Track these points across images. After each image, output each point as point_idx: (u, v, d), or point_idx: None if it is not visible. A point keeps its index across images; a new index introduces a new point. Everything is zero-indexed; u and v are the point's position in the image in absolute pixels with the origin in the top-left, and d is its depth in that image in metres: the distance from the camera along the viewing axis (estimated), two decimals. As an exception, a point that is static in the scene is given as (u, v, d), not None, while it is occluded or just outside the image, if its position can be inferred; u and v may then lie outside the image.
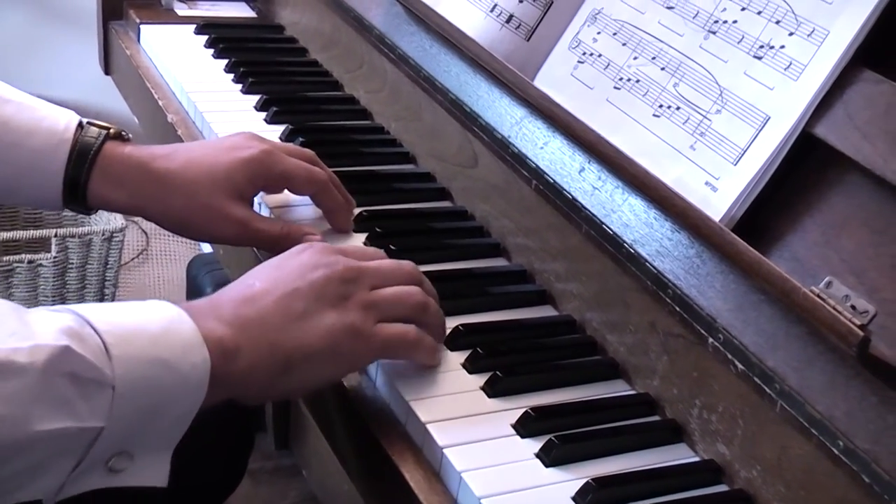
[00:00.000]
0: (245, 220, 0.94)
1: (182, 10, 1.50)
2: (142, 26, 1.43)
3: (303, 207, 1.03)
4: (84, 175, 0.94)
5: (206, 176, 0.94)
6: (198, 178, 0.94)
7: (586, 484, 0.74)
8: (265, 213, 1.03)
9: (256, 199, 1.03)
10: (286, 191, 1.02)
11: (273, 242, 0.95)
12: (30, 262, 1.97)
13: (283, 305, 0.76)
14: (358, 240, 1.00)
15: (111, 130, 0.96)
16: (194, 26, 1.44)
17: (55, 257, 1.98)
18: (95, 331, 0.67)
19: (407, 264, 0.85)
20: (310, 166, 0.99)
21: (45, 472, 0.66)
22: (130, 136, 0.98)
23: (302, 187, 0.99)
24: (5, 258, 1.97)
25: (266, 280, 0.78)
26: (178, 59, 1.34)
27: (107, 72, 1.55)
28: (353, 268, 0.81)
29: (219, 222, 0.94)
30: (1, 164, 0.95)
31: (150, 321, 0.69)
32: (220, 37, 1.40)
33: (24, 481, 0.65)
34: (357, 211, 1.03)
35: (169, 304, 0.72)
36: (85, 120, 0.97)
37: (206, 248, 2.12)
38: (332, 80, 1.33)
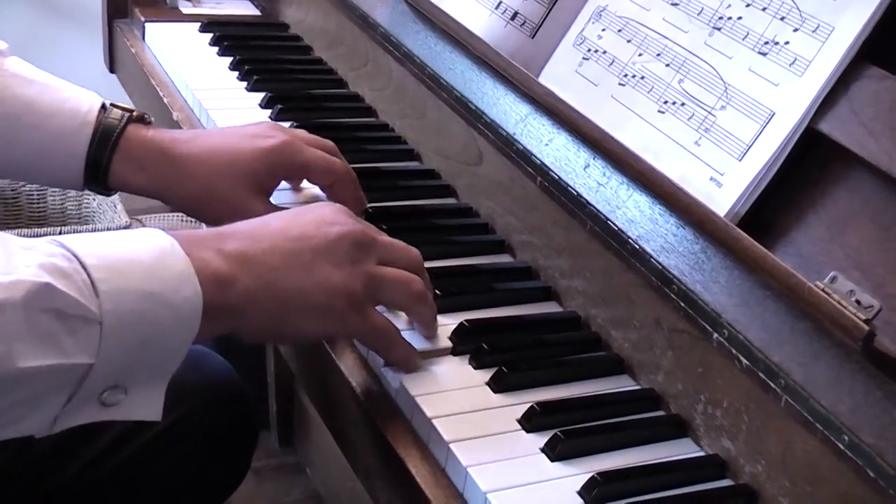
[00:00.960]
0: (263, 214, 0.92)
1: (187, 8, 1.51)
2: (147, 24, 1.43)
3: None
4: (106, 157, 0.94)
5: (228, 166, 0.94)
6: (220, 169, 0.94)
7: (591, 478, 0.74)
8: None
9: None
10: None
11: None
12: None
13: (291, 250, 0.76)
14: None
15: (134, 113, 0.97)
16: (199, 24, 1.44)
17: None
18: (83, 265, 0.65)
19: (413, 249, 0.85)
20: (329, 157, 0.99)
21: (37, 407, 0.66)
22: (152, 119, 0.98)
23: (320, 177, 0.99)
24: (10, 256, 1.97)
25: (281, 221, 0.79)
26: (183, 56, 1.34)
27: (111, 70, 1.55)
28: (368, 234, 0.81)
29: (237, 215, 0.91)
30: (24, 145, 0.95)
31: (140, 253, 0.68)
32: (225, 35, 1.40)
33: (15, 416, 0.65)
34: (363, 209, 1.03)
35: (162, 233, 0.71)
36: (108, 102, 0.97)
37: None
38: (336, 77, 1.34)
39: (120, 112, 0.96)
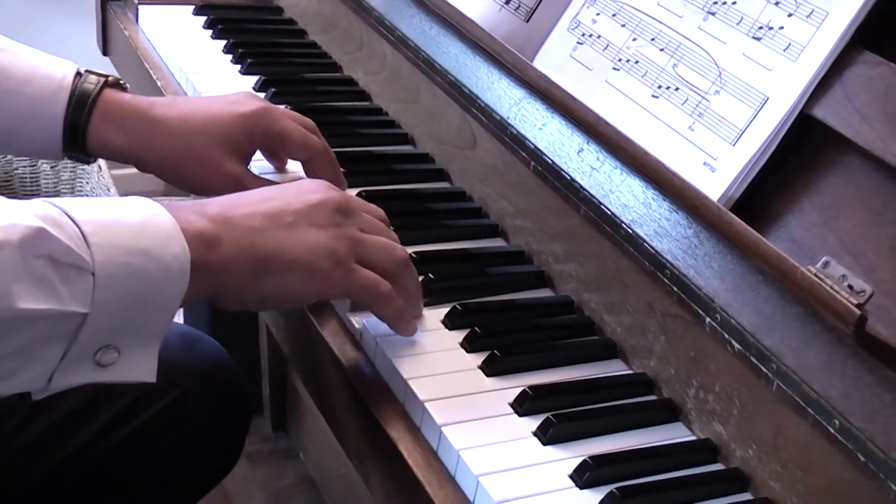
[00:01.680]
0: (239, 176, 0.95)
1: (180, -9, 1.50)
2: (140, 7, 1.42)
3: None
4: (84, 119, 0.95)
5: (204, 128, 0.95)
6: (196, 130, 0.94)
7: (583, 462, 0.74)
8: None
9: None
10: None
11: None
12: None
13: (272, 214, 0.78)
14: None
15: (109, 78, 0.97)
16: (193, 7, 1.43)
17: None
18: (73, 220, 0.67)
19: (394, 234, 0.86)
20: (307, 132, 0.99)
21: (33, 358, 0.67)
22: (128, 85, 0.99)
23: (297, 151, 0.99)
24: (3, 240, 1.96)
25: (263, 192, 0.80)
26: (177, 39, 1.34)
27: (105, 53, 1.54)
28: (350, 205, 0.82)
29: (213, 176, 0.94)
30: (0, 111, 0.95)
31: (128, 214, 0.70)
32: (219, 18, 1.40)
33: (14, 367, 0.66)
34: (356, 191, 1.03)
35: (147, 199, 0.72)
36: (83, 68, 0.98)
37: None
38: (331, 61, 1.33)
39: (96, 77, 0.97)
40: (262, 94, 1.21)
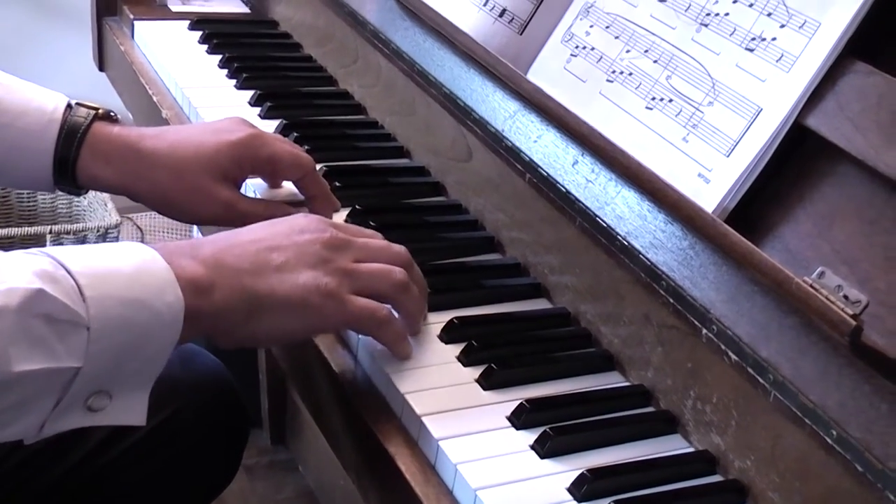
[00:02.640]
0: (231, 201, 0.95)
1: (176, 6, 1.51)
2: (136, 22, 1.43)
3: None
4: (73, 153, 0.96)
5: (194, 157, 0.95)
6: (185, 159, 0.95)
7: (581, 475, 0.74)
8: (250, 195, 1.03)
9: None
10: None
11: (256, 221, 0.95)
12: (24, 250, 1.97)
13: (262, 256, 0.78)
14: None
15: (99, 111, 0.98)
16: (188, 22, 1.43)
17: (50, 254, 1.98)
18: (69, 273, 0.68)
19: (397, 247, 0.86)
20: (297, 151, 1.00)
21: (26, 411, 0.68)
22: (119, 116, 0.99)
23: (288, 171, 1.00)
24: (0, 255, 1.97)
25: (253, 232, 0.81)
26: (173, 54, 1.34)
27: (101, 68, 1.55)
28: (341, 238, 0.82)
29: (205, 203, 0.95)
30: None
31: (123, 262, 0.71)
32: (215, 32, 1.40)
33: (6, 420, 0.67)
34: (351, 206, 1.03)
35: (142, 245, 0.74)
36: (74, 101, 0.98)
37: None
38: (326, 75, 1.34)
39: (85, 110, 0.97)
40: (257, 109, 1.22)
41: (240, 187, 0.99)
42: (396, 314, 0.84)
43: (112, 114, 0.99)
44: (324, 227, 0.83)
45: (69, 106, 0.98)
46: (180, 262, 0.74)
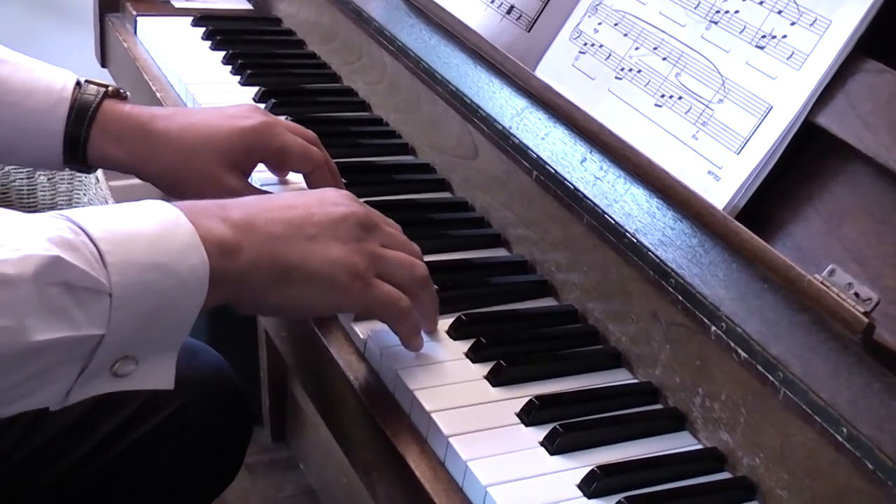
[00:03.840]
0: (238, 191, 0.94)
1: (179, 2, 1.50)
2: (138, 18, 1.42)
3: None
4: (84, 132, 0.95)
5: (204, 142, 0.94)
6: (196, 144, 0.94)
7: (591, 472, 0.74)
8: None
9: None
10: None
11: None
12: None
13: (296, 224, 0.77)
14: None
15: (109, 88, 0.96)
16: (191, 18, 1.43)
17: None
18: (90, 237, 0.66)
19: (416, 246, 0.86)
20: (308, 144, 0.98)
21: (50, 379, 0.66)
22: (128, 94, 0.98)
23: (298, 164, 0.99)
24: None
25: (287, 199, 0.80)
26: (176, 51, 1.34)
27: (103, 64, 1.54)
28: (373, 218, 0.82)
29: (212, 190, 0.93)
30: (2, 124, 0.95)
31: (146, 225, 0.69)
32: (218, 29, 1.40)
33: (30, 389, 0.66)
34: (358, 202, 1.03)
35: (166, 204, 0.71)
36: (83, 78, 0.97)
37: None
38: (330, 72, 1.33)
39: (95, 87, 0.96)
40: (261, 105, 1.21)
41: (249, 175, 0.98)
42: None
43: (122, 91, 0.98)
44: (357, 205, 0.82)
45: (78, 84, 0.96)
46: (207, 223, 0.72)
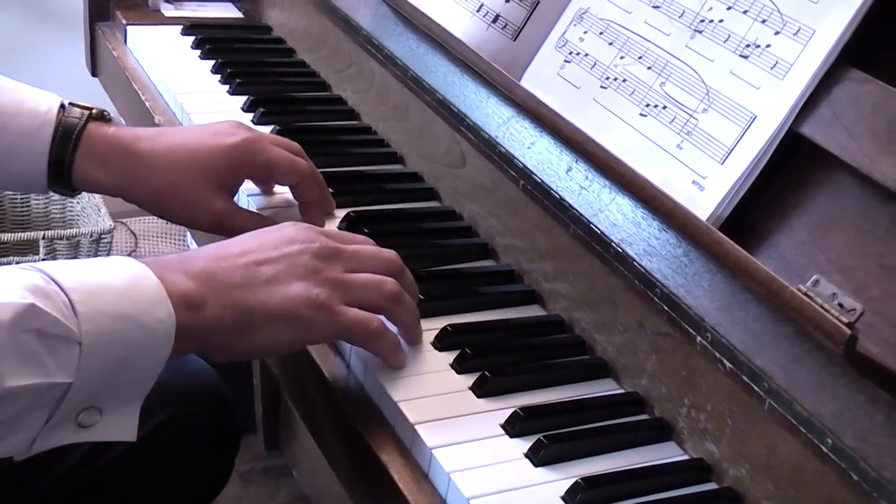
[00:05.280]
0: (225, 213, 0.95)
1: (169, 11, 1.50)
2: (128, 27, 1.42)
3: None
4: (69, 155, 0.95)
5: (189, 162, 0.94)
6: (180, 164, 0.94)
7: (575, 483, 0.74)
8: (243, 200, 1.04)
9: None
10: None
11: None
12: (18, 264, 1.96)
13: (252, 268, 0.78)
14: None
15: (93, 111, 0.97)
16: (181, 27, 1.43)
17: (43, 259, 1.97)
18: (61, 288, 0.67)
19: (388, 252, 0.86)
20: (293, 157, 0.98)
21: (17, 427, 0.67)
22: (112, 116, 0.98)
23: (284, 177, 0.99)
24: (-7, 260, 1.96)
25: (243, 244, 0.81)
26: (166, 60, 1.34)
27: (94, 73, 1.54)
28: (331, 247, 0.82)
29: (198, 213, 0.94)
30: None
31: (115, 278, 0.70)
32: (207, 38, 1.40)
33: None
34: (344, 212, 1.03)
35: (133, 260, 0.73)
36: (67, 101, 0.97)
37: (194, 247, 2.11)
38: (319, 80, 1.33)
39: (79, 110, 0.96)
40: (250, 115, 1.21)
41: (235, 192, 0.99)
42: (390, 324, 0.83)
43: (105, 113, 0.98)
44: (313, 237, 0.82)
45: (62, 106, 0.97)
46: (172, 277, 0.73)
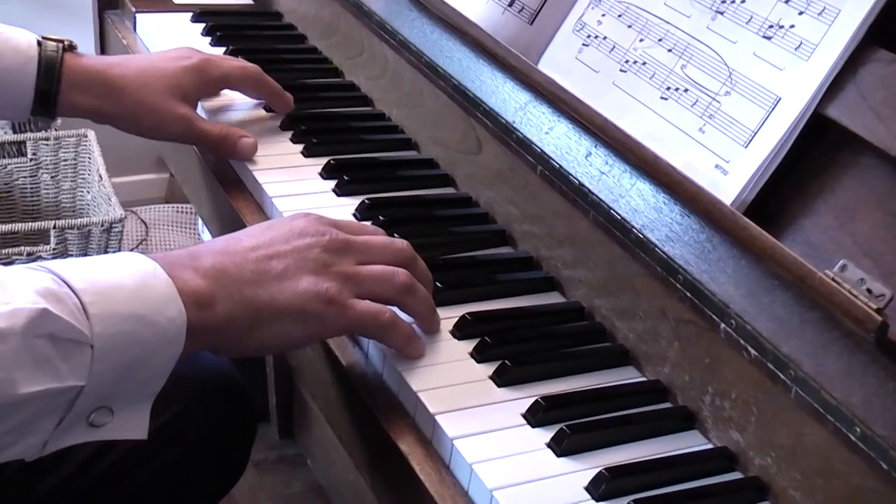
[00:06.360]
0: (188, 117, 1.08)
1: (178, -2, 1.49)
2: (137, 15, 1.41)
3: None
4: (55, 86, 1.05)
5: (155, 80, 1.07)
6: (148, 83, 1.07)
7: (599, 474, 0.73)
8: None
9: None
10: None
11: (214, 142, 1.09)
12: (29, 254, 1.96)
13: (262, 263, 0.78)
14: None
15: (65, 42, 1.07)
16: (191, 14, 1.42)
17: (54, 249, 1.97)
18: (73, 290, 0.67)
19: (399, 242, 0.85)
20: (244, 63, 1.15)
21: (30, 431, 0.67)
22: (78, 45, 1.09)
23: (240, 83, 1.15)
24: (4, 251, 1.95)
25: (253, 237, 0.81)
26: (176, 47, 1.32)
27: (103, 61, 1.53)
28: (341, 240, 0.82)
29: (166, 120, 1.07)
30: None
31: (125, 277, 0.70)
32: (218, 24, 1.38)
33: (12, 440, 0.67)
34: (359, 199, 1.02)
35: (144, 257, 0.73)
36: (38, 36, 1.07)
37: (208, 236, 2.11)
38: (331, 66, 1.32)
39: (54, 44, 1.06)
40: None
41: (196, 106, 1.12)
42: (403, 315, 0.83)
43: (73, 43, 1.08)
44: (323, 230, 0.82)
45: (38, 42, 1.06)
46: (182, 274, 0.73)
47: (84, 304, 0.67)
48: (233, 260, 0.77)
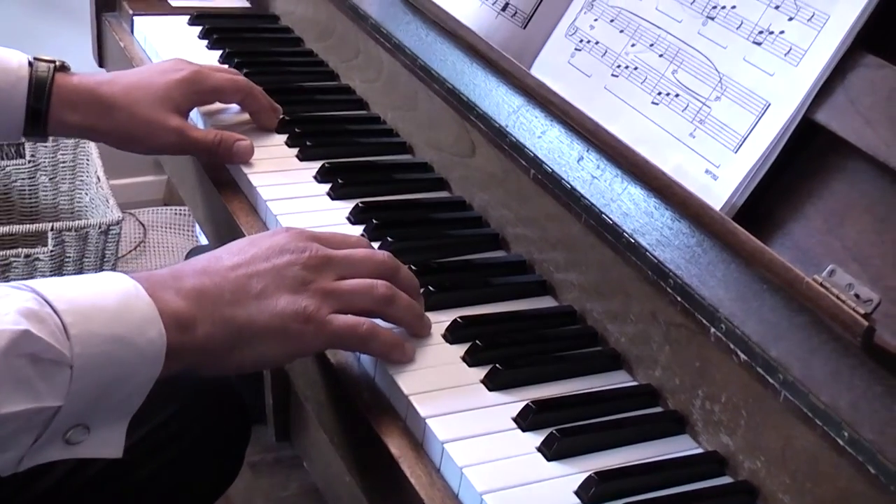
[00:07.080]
0: (181, 128, 1.08)
1: (176, 1, 1.49)
2: (135, 17, 1.41)
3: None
4: (45, 105, 1.05)
5: (146, 95, 1.08)
6: (139, 98, 1.07)
7: (589, 478, 0.73)
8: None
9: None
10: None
11: (209, 149, 1.09)
12: (26, 256, 1.96)
13: (241, 283, 0.78)
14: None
15: (57, 63, 1.07)
16: (188, 17, 1.42)
17: (52, 251, 1.97)
18: (54, 310, 0.68)
19: (381, 254, 0.86)
20: (235, 76, 1.15)
21: (5, 448, 0.68)
22: (69, 65, 1.09)
23: (230, 96, 1.15)
24: (2, 253, 1.96)
25: (234, 255, 0.81)
26: (173, 50, 1.33)
27: (100, 64, 1.53)
28: (321, 255, 0.82)
29: (159, 133, 1.07)
30: None
31: (107, 297, 0.71)
32: (215, 27, 1.39)
33: None
34: (354, 202, 1.02)
35: (125, 276, 0.73)
36: (29, 57, 1.07)
37: (204, 240, 2.11)
38: (327, 69, 1.32)
39: (45, 64, 1.06)
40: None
41: (187, 117, 1.11)
42: (387, 324, 0.83)
43: (66, 64, 1.08)
44: (304, 245, 0.82)
45: (29, 62, 1.06)
46: (164, 295, 0.74)
47: (65, 324, 0.67)
48: (213, 280, 0.78)
